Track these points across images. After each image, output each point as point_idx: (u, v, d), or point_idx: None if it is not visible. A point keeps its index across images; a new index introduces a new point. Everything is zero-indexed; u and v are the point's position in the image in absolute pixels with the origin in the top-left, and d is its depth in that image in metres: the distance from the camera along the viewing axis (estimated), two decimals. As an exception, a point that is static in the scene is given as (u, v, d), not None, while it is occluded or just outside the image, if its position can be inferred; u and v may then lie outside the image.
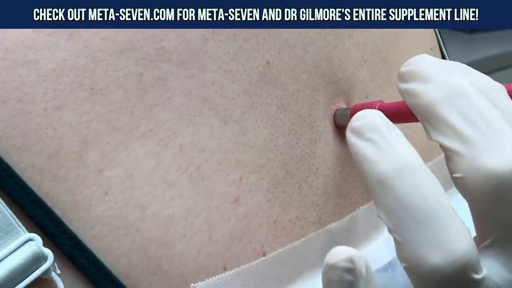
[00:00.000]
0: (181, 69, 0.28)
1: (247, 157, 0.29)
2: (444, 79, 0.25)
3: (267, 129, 0.30)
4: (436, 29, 0.43)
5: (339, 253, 0.23)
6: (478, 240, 0.25)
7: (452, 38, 1.79)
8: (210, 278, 0.27)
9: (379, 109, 0.30)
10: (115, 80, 0.27)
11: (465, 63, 0.27)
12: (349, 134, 0.26)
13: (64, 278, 0.25)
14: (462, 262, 0.23)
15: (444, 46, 0.43)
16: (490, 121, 0.24)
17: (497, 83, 0.26)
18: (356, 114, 0.26)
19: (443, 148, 0.25)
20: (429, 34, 0.41)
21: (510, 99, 0.25)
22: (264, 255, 0.29)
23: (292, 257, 0.30)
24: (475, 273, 0.23)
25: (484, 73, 0.27)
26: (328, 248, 0.31)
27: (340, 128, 0.33)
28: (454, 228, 0.23)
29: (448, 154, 0.25)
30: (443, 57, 0.43)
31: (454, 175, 0.24)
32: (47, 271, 0.24)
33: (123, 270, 0.26)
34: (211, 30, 0.29)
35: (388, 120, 0.26)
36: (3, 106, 0.25)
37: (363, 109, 0.31)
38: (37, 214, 0.25)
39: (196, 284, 0.27)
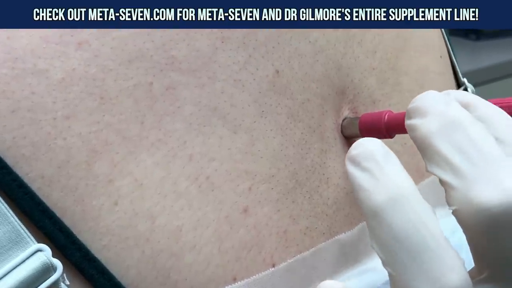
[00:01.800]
0: (190, 78, 0.28)
1: (256, 167, 0.29)
2: (441, 111, 0.25)
3: (277, 138, 0.30)
4: (446, 37, 0.43)
5: None
6: (476, 272, 0.24)
7: (457, 45, 1.78)
8: None
9: (387, 120, 0.30)
10: (125, 90, 0.27)
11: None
12: (347, 163, 0.26)
13: None
14: None
15: (454, 54, 0.43)
16: (483, 152, 0.23)
17: (498, 110, 0.26)
18: (355, 143, 0.26)
19: (440, 180, 0.24)
20: (438, 41, 0.41)
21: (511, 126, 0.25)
22: (273, 266, 0.29)
23: (301, 268, 0.30)
24: None
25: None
26: (338, 259, 0.31)
27: (347, 138, 0.33)
28: (447, 261, 0.23)
29: (444, 186, 0.24)
30: (452, 65, 0.43)
31: (449, 208, 0.24)
32: (56, 282, 0.24)
33: (132, 281, 0.26)
34: (220, 39, 0.29)
35: (385, 147, 0.25)
36: (13, 115, 0.25)
37: (371, 118, 0.31)
38: (46, 224, 0.25)
39: None
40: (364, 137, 0.32)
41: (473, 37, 1.77)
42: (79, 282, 0.25)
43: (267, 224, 0.29)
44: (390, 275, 0.23)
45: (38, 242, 0.24)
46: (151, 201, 0.26)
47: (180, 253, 0.27)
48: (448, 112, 0.25)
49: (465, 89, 0.44)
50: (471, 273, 0.24)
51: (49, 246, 0.24)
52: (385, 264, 0.24)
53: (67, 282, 0.25)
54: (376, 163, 0.25)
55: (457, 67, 0.43)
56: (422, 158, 0.25)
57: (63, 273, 0.24)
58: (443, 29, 0.43)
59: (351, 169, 0.25)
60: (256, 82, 0.30)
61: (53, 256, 0.24)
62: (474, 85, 0.45)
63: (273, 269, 0.29)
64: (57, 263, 0.24)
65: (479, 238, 0.23)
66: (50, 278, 0.24)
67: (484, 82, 1.49)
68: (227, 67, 0.29)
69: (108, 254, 0.25)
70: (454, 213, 0.24)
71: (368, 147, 0.25)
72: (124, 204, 0.26)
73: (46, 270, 0.24)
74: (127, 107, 0.27)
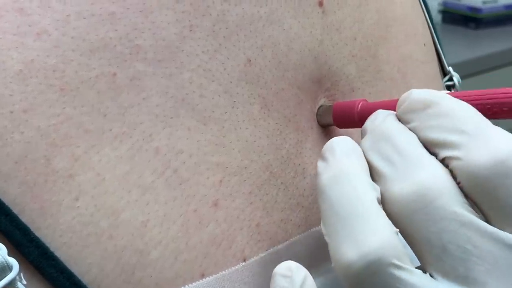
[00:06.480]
0: (157, 68, 0.27)
1: (227, 159, 0.28)
2: (374, 128, 0.27)
3: (249, 129, 0.29)
4: (430, 24, 0.42)
5: (283, 264, 0.25)
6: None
7: (457, 34, 1.78)
8: (186, 286, 0.26)
9: (361, 109, 0.29)
10: (87, 81, 0.26)
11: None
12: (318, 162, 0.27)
13: None
14: (374, 256, 0.23)
15: (439, 41, 0.42)
16: (404, 155, 0.25)
17: (460, 103, 0.26)
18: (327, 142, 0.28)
19: None
20: (421, 29, 0.40)
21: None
22: (244, 260, 0.28)
23: (274, 262, 0.29)
24: (396, 267, 0.23)
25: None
26: (314, 251, 0.30)
27: (323, 126, 0.32)
28: (371, 225, 0.24)
29: None
30: (437, 53, 0.42)
31: None
32: (12, 282, 0.23)
33: (95, 279, 0.25)
34: (188, 27, 0.28)
35: (354, 145, 0.27)
36: None
37: (344, 107, 0.30)
38: (2, 221, 0.24)
39: None
40: (337, 126, 0.31)
41: (472, 25, 1.75)
42: (38, 281, 0.24)
43: (238, 217, 0.28)
44: (328, 244, 0.25)
45: None
46: (114, 196, 0.25)
47: (145, 249, 0.26)
48: (379, 128, 0.27)
49: (451, 78, 0.43)
50: None
51: (5, 244, 0.24)
52: (324, 235, 0.25)
53: (24, 282, 0.24)
54: (332, 152, 0.26)
55: (442, 55, 0.42)
56: None
57: (19, 272, 0.23)
58: (427, 17, 0.42)
59: (319, 163, 0.27)
60: (226, 72, 0.29)
61: (10, 254, 0.23)
62: (473, 74, 0.44)
63: (243, 263, 0.28)
64: (13, 262, 0.23)
65: (402, 227, 0.25)
66: (6, 278, 0.23)
67: (483, 70, 1.49)
68: (195, 56, 0.28)
69: (68, 251, 0.25)
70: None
71: (334, 142, 0.27)
72: (85, 200, 0.25)
73: (1, 270, 0.23)
74: (89, 99, 0.26)
